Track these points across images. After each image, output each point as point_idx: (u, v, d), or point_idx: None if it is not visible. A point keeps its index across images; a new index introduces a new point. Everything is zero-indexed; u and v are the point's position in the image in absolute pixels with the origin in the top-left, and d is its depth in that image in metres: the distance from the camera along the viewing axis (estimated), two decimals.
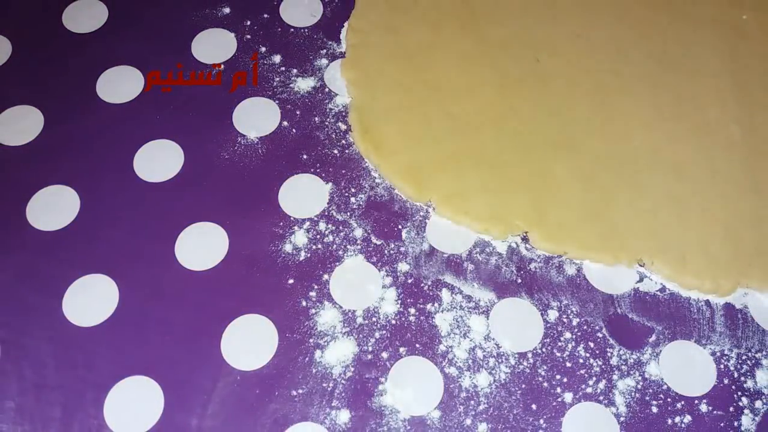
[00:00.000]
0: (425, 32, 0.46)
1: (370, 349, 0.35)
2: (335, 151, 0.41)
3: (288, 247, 0.38)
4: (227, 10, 0.47)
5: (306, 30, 0.47)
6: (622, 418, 0.33)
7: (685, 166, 0.40)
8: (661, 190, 0.39)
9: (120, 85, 0.44)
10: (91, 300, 0.36)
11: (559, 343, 0.35)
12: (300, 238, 0.38)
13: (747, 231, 0.37)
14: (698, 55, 0.44)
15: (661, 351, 0.35)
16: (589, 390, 0.34)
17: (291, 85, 0.44)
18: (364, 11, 0.47)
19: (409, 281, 0.37)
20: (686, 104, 0.42)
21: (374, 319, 0.36)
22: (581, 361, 0.35)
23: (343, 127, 0.43)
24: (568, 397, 0.34)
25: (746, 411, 0.33)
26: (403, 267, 0.37)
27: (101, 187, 0.40)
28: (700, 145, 0.40)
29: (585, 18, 0.46)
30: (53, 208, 0.39)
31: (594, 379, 0.34)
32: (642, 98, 0.42)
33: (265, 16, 0.47)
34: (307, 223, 0.39)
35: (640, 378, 0.34)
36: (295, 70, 0.45)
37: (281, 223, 0.39)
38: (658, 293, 0.36)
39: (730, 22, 0.46)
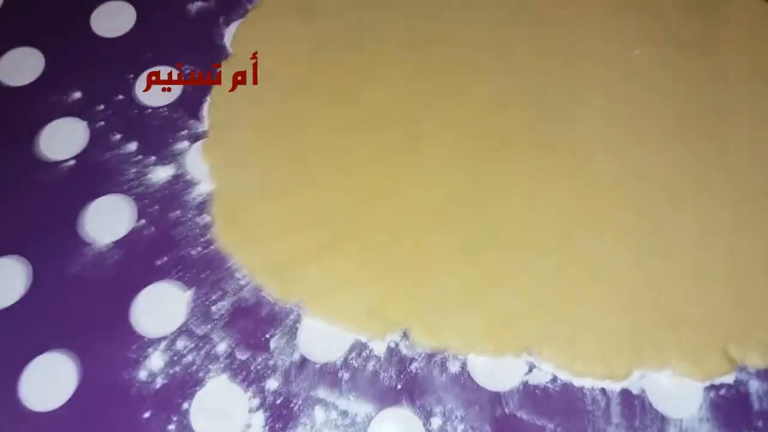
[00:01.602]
0: (297, 101, 0.42)
1: None
2: (196, 251, 0.37)
3: (143, 374, 0.34)
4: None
5: (164, 109, 0.43)
6: None
7: (574, 232, 0.36)
8: (550, 262, 0.35)
9: None
10: None
11: None
12: (156, 361, 0.34)
13: (643, 301, 0.34)
14: (584, 103, 0.41)
15: None
16: None
17: (148, 176, 0.40)
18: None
19: (278, 401, 0.33)
20: (576, 159, 0.39)
21: None
22: None
23: (208, 218, 0.39)
24: None
25: None
26: (271, 384, 0.33)
27: None
28: (592, 207, 0.37)
29: (466, 74, 0.42)
30: None
31: None
32: (525, 160, 0.39)
33: (120, 97, 0.43)
34: (164, 343, 0.35)
35: None
36: (153, 158, 0.41)
37: (134, 346, 0.35)
38: (549, 385, 0.33)
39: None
